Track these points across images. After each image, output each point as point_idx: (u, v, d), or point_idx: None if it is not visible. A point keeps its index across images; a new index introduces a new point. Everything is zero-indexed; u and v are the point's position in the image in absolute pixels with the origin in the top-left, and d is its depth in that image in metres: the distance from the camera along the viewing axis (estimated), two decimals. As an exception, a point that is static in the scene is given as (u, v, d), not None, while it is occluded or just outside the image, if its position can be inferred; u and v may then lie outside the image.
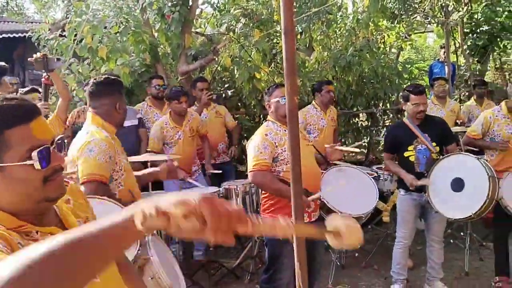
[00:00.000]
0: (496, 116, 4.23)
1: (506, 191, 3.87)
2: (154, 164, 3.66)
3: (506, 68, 10.94)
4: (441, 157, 3.91)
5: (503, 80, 10.29)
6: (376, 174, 4.70)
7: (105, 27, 5.41)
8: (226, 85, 6.46)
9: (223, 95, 6.34)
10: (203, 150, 5.20)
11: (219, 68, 6.51)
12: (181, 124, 4.80)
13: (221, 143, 5.49)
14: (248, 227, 0.92)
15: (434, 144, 3.95)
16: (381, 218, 5.00)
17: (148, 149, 4.65)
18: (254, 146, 3.17)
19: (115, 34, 5.49)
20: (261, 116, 6.79)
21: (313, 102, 5.42)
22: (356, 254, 5.01)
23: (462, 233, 5.06)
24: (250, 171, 3.14)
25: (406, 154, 3.98)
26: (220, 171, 4.97)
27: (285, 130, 3.15)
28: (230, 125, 5.56)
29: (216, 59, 5.78)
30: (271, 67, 6.51)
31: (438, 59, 8.86)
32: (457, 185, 3.80)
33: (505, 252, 4.23)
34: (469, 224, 4.84)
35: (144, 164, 4.00)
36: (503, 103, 4.26)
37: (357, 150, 3.44)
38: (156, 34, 5.81)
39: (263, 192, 3.33)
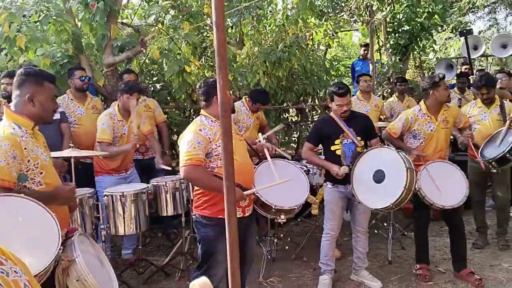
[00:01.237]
0: (417, 115, 4.40)
1: (423, 183, 4.08)
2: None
3: (425, 67, 11.58)
4: (365, 150, 4.07)
5: (422, 78, 10.85)
6: (306, 168, 4.79)
7: (24, 15, 5.06)
8: (154, 78, 6.29)
9: (152, 88, 6.17)
10: (150, 146, 5.05)
11: (147, 60, 6.33)
12: (127, 119, 4.62)
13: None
14: None
15: (359, 138, 4.09)
16: (310, 211, 5.11)
17: (99, 140, 4.45)
18: (187, 141, 3.09)
19: (34, 23, 5.16)
20: (191, 110, 6.69)
21: (243, 99, 5.45)
22: (287, 247, 5.10)
23: (385, 224, 5.29)
24: (183, 166, 3.06)
25: (333, 147, 4.09)
26: (169, 168, 4.82)
27: (219, 125, 3.11)
28: (159, 119, 5.42)
29: (144, 51, 5.59)
30: (202, 61, 6.42)
31: (359, 57, 9.18)
32: (379, 176, 3.96)
33: (425, 241, 4.47)
34: (391, 215, 5.06)
35: (67, 160, 3.79)
36: (422, 103, 4.46)
37: (279, 127, 3.48)
38: (79, 24, 5.53)
39: (195, 188, 3.26)
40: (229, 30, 7.08)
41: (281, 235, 5.32)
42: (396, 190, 3.83)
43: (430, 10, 9.04)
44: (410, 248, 5.07)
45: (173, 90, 5.95)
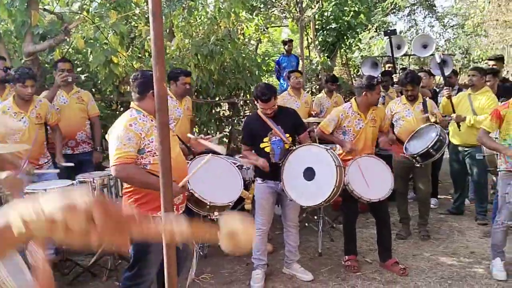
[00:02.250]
0: (347, 113, 4.52)
1: (352, 177, 4.20)
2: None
3: (351, 65, 11.98)
4: (294, 147, 4.11)
5: (348, 75, 11.23)
6: (238, 163, 4.76)
7: None
8: (78, 69, 5.97)
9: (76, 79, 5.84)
10: (53, 141, 4.76)
11: (70, 50, 5.98)
12: (26, 109, 4.32)
13: (81, 132, 5.08)
14: (144, 229, 0.82)
15: (287, 135, 4.12)
16: (243, 206, 5.10)
17: None
18: (117, 137, 2.92)
19: None
20: (118, 103, 6.44)
21: (168, 90, 5.27)
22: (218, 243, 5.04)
23: (316, 217, 5.40)
24: (113, 165, 2.90)
25: (262, 145, 4.10)
26: (72, 164, 4.54)
27: (151, 120, 2.99)
28: (91, 113, 5.17)
29: (68, 39, 5.28)
30: (129, 52, 6.18)
31: (283, 53, 9.33)
32: (309, 174, 4.02)
33: (353, 232, 4.62)
34: (321, 208, 5.17)
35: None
36: (353, 100, 4.59)
37: (219, 149, 3.37)
38: (-4, 9, 5.11)
39: (126, 186, 3.11)
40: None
41: (213, 230, 5.26)
42: (326, 188, 3.91)
43: (356, 9, 9.36)
44: (338, 240, 5.21)
45: (99, 82, 5.68)
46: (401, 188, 5.28)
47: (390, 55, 6.97)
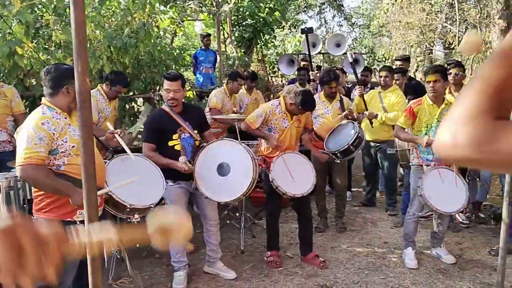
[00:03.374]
0: (275, 110, 4.54)
1: (277, 173, 4.22)
2: None
3: (267, 61, 12.11)
4: (204, 144, 4.02)
5: (264, 71, 11.34)
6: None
7: None
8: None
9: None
10: None
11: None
12: None
13: (1, 129, 4.65)
14: (74, 247, 0.71)
15: (196, 131, 4.03)
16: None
17: None
18: (26, 136, 2.66)
19: None
20: (23, 98, 5.93)
21: (98, 87, 5.00)
22: (137, 245, 4.84)
23: (237, 214, 5.37)
24: (20, 165, 2.64)
25: (171, 143, 3.93)
26: None
27: (65, 118, 2.76)
28: (15, 110, 4.73)
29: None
30: (35, 42, 5.71)
31: (201, 47, 9.23)
32: (223, 170, 3.97)
33: (276, 228, 4.65)
34: (243, 205, 5.15)
35: None
36: (281, 99, 4.61)
37: (130, 154, 3.17)
38: None
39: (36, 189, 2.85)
40: (67, 10, 6.43)
41: (131, 231, 5.03)
42: (243, 182, 3.89)
43: (272, 6, 9.45)
44: (260, 236, 5.23)
45: (2, 75, 5.20)
46: (319, 183, 5.40)
47: (306, 52, 7.12)
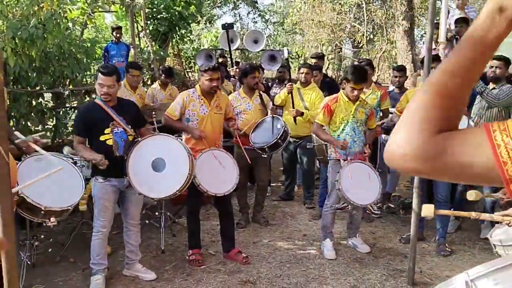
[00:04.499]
0: (191, 97, 4.48)
1: (199, 170, 4.16)
2: None
3: (183, 56, 11.92)
4: (138, 139, 3.91)
5: (180, 66, 11.16)
6: (72, 160, 4.32)
7: None
8: None
9: None
10: None
11: None
12: None
13: None
14: None
15: (130, 126, 3.91)
16: (76, 206, 4.65)
17: None
18: None
19: None
20: None
21: None
22: (50, 249, 4.55)
23: (156, 213, 5.23)
24: None
25: (102, 137, 3.79)
26: None
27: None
28: None
29: None
30: None
31: (112, 40, 8.91)
32: (159, 165, 3.87)
33: (197, 226, 4.58)
34: (162, 203, 5.02)
35: None
36: (197, 85, 4.57)
37: (44, 153, 2.91)
38: None
39: None
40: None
41: (42, 236, 4.70)
42: (180, 177, 3.82)
43: (187, 0, 9.30)
44: (181, 234, 5.14)
45: None
46: (242, 179, 5.41)
47: (223, 48, 7.10)
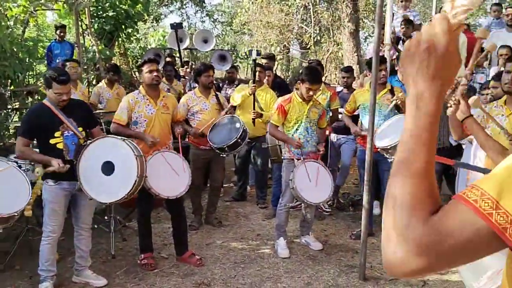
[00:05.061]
0: (137, 98, 4.40)
1: (150, 173, 4.08)
2: None
3: (129, 55, 11.65)
4: (88, 142, 3.80)
5: (127, 65, 10.91)
6: (16, 164, 4.11)
7: None
8: None
9: None
10: None
11: None
12: None
13: None
14: None
15: (80, 129, 3.81)
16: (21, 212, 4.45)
17: None
18: None
19: None
20: None
21: None
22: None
23: (106, 217, 5.09)
24: None
25: (53, 141, 3.68)
26: None
27: None
28: None
29: None
30: None
31: (56, 39, 8.62)
32: (108, 168, 3.78)
33: (148, 229, 4.50)
34: (112, 207, 4.89)
35: None
36: (141, 87, 4.50)
37: None
38: None
39: None
40: None
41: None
42: (128, 180, 3.75)
43: (134, -2, 9.13)
44: (131, 238, 5.03)
45: None
46: (197, 180, 5.37)
47: (172, 47, 7.01)
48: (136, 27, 9.58)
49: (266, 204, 6.19)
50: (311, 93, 4.57)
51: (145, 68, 4.36)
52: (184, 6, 23.75)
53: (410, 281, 4.11)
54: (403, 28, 6.57)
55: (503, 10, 7.29)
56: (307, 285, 4.07)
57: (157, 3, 18.96)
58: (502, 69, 5.64)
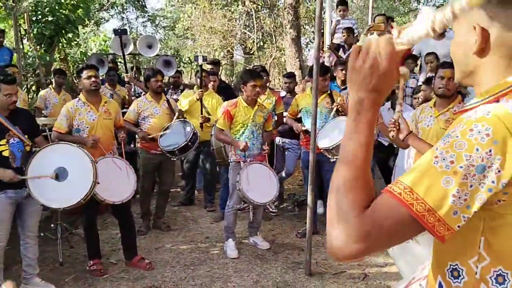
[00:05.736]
0: (77, 105, 4.41)
1: (101, 177, 4.08)
2: None
3: (70, 60, 11.37)
4: (37, 149, 3.78)
5: (68, 70, 10.64)
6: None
7: None
8: None
9: None
10: None
11: None
12: None
13: None
14: None
15: (26, 136, 3.77)
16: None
17: None
18: None
19: None
20: None
21: None
22: None
23: (52, 225, 5.02)
24: None
25: None
26: None
27: None
28: None
29: None
30: None
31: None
32: (61, 174, 3.77)
33: (96, 235, 4.49)
34: (58, 214, 4.83)
35: None
36: (81, 95, 4.52)
37: None
38: None
39: None
40: None
41: None
42: (84, 185, 3.76)
43: (75, 2, 8.95)
44: (78, 245, 4.99)
45: None
46: (147, 184, 5.40)
47: (116, 53, 6.97)
48: (77, 32, 9.39)
49: (214, 207, 6.30)
50: (257, 89, 4.73)
51: (84, 74, 4.37)
52: (125, 11, 23.41)
53: (352, 274, 4.37)
54: (344, 35, 6.89)
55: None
56: (256, 283, 4.21)
57: (97, 7, 18.59)
58: (430, 74, 6.09)
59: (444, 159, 0.95)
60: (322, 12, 4.19)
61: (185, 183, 6.78)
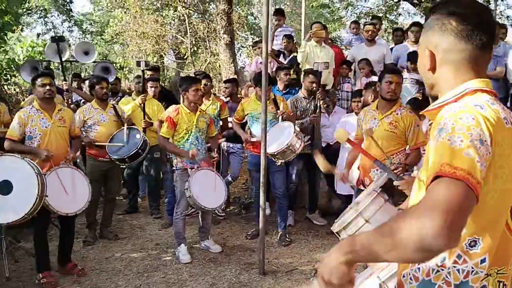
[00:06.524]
0: (30, 113, 4.32)
1: (50, 190, 4.00)
2: None
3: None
4: None
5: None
6: None
7: None
8: None
9: None
10: None
11: None
12: None
13: None
14: None
15: None
16: None
17: None
18: None
19: None
20: None
21: None
22: None
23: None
24: None
25: None
26: None
27: None
28: None
29: None
30: None
31: None
32: (5, 188, 3.67)
33: (46, 247, 4.39)
34: (1, 228, 4.64)
35: None
36: (35, 102, 4.42)
37: None
38: None
39: None
40: None
41: None
42: (28, 199, 3.67)
43: (3, 8, 8.55)
44: (24, 259, 4.83)
45: None
46: (95, 192, 5.30)
47: (51, 60, 6.78)
48: (6, 38, 8.94)
49: (160, 214, 6.29)
50: (199, 93, 4.83)
51: (38, 82, 4.31)
52: (49, 15, 22.50)
53: (304, 270, 4.58)
54: (284, 42, 7.14)
55: (361, 27, 8.25)
56: (212, 285, 4.30)
57: (22, 11, 17.72)
58: (363, 79, 6.50)
59: (454, 141, 1.17)
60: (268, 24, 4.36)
61: (127, 191, 6.70)
